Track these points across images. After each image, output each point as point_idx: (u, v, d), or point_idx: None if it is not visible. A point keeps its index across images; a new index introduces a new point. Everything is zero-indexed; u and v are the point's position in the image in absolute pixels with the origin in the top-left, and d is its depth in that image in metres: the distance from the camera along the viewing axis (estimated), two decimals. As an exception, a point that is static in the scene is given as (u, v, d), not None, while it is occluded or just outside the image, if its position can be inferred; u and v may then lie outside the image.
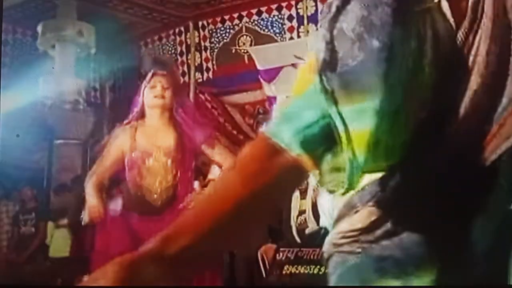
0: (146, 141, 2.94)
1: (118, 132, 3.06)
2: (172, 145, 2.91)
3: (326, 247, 1.00)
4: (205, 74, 7.60)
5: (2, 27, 4.40)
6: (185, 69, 7.78)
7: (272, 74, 6.78)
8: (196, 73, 7.60)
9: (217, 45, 7.52)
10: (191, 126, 2.97)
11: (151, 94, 2.98)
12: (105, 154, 3.03)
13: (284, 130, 0.86)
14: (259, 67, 6.86)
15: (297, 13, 6.95)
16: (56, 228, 6.35)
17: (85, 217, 2.97)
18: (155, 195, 2.88)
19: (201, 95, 7.55)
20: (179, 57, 7.86)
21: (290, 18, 6.99)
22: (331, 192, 0.87)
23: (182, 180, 2.90)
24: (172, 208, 2.86)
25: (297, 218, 5.93)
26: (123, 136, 3.01)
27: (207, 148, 2.95)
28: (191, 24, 7.66)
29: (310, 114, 0.88)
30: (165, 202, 2.88)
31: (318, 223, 5.88)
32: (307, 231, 5.82)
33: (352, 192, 0.89)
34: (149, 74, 3.12)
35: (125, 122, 3.08)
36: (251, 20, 7.25)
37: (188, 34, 7.73)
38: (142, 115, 3.03)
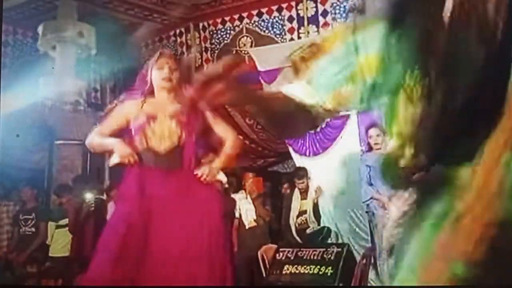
0: (152, 107, 2.99)
1: (126, 103, 3.09)
2: (177, 109, 2.96)
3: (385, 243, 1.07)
4: (205, 75, 7.60)
5: (2, 28, 4.41)
6: (186, 70, 7.80)
7: (273, 75, 6.79)
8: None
9: (217, 46, 7.53)
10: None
11: (159, 76, 3.01)
12: (109, 118, 3.08)
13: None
14: (259, 68, 6.87)
15: (298, 14, 6.95)
16: (56, 228, 6.36)
17: (114, 159, 2.97)
18: (161, 156, 2.91)
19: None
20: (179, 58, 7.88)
21: (291, 19, 7.00)
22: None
23: (187, 142, 2.93)
24: (178, 169, 2.89)
25: (297, 218, 5.94)
26: (131, 106, 3.05)
27: (210, 116, 3.00)
28: (191, 25, 7.67)
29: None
30: (171, 162, 2.90)
31: (319, 224, 5.89)
32: (308, 230, 5.83)
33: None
34: (156, 54, 3.13)
35: (134, 97, 3.10)
36: (252, 21, 7.26)
37: (189, 35, 7.74)
38: (151, 92, 3.07)
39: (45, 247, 6.37)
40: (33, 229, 6.41)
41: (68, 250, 6.17)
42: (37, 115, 7.31)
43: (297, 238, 5.85)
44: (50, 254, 6.29)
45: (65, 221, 6.28)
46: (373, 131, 5.21)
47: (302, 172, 6.07)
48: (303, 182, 5.95)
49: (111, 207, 6.22)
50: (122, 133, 3.09)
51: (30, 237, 6.38)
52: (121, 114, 3.08)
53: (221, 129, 3.04)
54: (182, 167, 2.91)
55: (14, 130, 6.24)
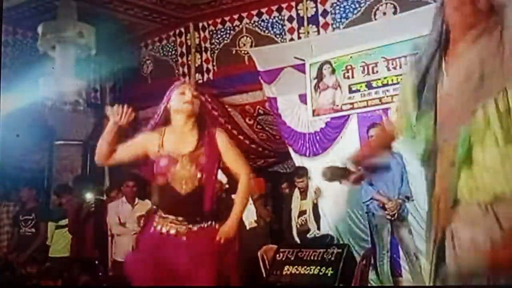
0: (172, 146, 3.03)
1: (146, 134, 3.13)
2: (196, 150, 3.02)
3: None
4: (205, 75, 7.61)
5: (2, 28, 4.40)
6: (185, 70, 7.79)
7: (272, 75, 6.79)
8: (197, 74, 7.61)
9: (217, 46, 7.53)
10: (211, 134, 3.07)
11: (181, 100, 3.05)
12: (127, 146, 3.10)
13: None
14: (259, 68, 6.87)
15: (297, 14, 6.95)
16: (56, 229, 6.36)
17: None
18: (181, 197, 2.97)
19: (201, 96, 7.54)
20: (179, 58, 7.87)
21: (290, 19, 7.00)
22: None
23: (207, 183, 2.99)
24: (198, 209, 2.95)
25: (297, 218, 5.93)
26: (150, 137, 3.09)
27: (225, 149, 3.07)
28: (191, 25, 7.67)
29: None
30: (191, 203, 2.96)
31: (318, 225, 5.88)
32: (309, 235, 5.82)
33: None
34: (179, 82, 3.28)
35: (149, 127, 3.15)
36: (252, 21, 7.26)
37: (189, 35, 7.74)
38: (167, 120, 3.11)
39: (45, 247, 6.37)
40: (33, 230, 6.40)
41: (68, 250, 6.18)
42: (37, 115, 7.32)
43: (297, 238, 5.85)
44: (50, 255, 6.29)
45: (65, 221, 6.28)
46: (374, 131, 5.22)
47: (302, 171, 6.06)
48: (302, 181, 5.93)
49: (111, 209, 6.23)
50: (139, 161, 3.15)
51: (30, 238, 6.38)
52: (139, 143, 3.11)
53: (235, 166, 3.08)
54: (203, 210, 2.96)
55: (14, 130, 6.24)
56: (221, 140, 3.05)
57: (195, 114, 3.08)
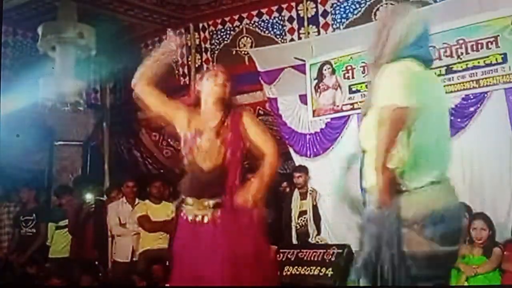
0: (199, 124, 3.04)
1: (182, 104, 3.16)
2: (221, 125, 3.01)
3: None
4: (206, 76, 7.60)
5: (2, 28, 4.40)
6: (186, 70, 7.79)
7: (273, 75, 6.78)
8: (197, 75, 7.59)
9: (217, 46, 7.52)
10: (238, 112, 3.07)
11: (212, 83, 3.07)
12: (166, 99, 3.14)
13: None
14: (259, 68, 6.86)
15: (298, 15, 6.95)
16: (56, 229, 6.35)
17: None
18: (205, 173, 2.95)
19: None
20: (179, 58, 7.86)
21: (291, 19, 7.00)
22: None
23: (231, 161, 2.97)
24: (221, 186, 2.93)
25: (297, 218, 5.92)
26: (180, 112, 3.10)
27: (251, 125, 3.05)
28: (191, 26, 7.66)
29: None
30: (215, 182, 2.94)
31: (319, 226, 5.86)
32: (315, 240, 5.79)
33: None
34: (212, 67, 3.31)
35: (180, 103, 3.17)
36: (252, 22, 7.26)
37: (189, 35, 7.73)
38: (197, 102, 3.12)
39: (45, 248, 6.36)
40: (34, 230, 6.40)
41: (68, 251, 6.17)
42: (37, 115, 7.32)
43: (297, 239, 5.83)
44: (50, 255, 6.29)
45: (65, 222, 6.28)
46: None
47: (300, 167, 6.05)
48: (300, 176, 5.91)
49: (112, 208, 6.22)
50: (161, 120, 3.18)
51: (30, 238, 6.38)
52: (172, 108, 3.13)
53: (261, 143, 3.02)
54: (224, 190, 2.93)
55: (14, 131, 6.24)
56: (248, 118, 3.03)
57: (226, 96, 3.07)
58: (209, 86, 3.08)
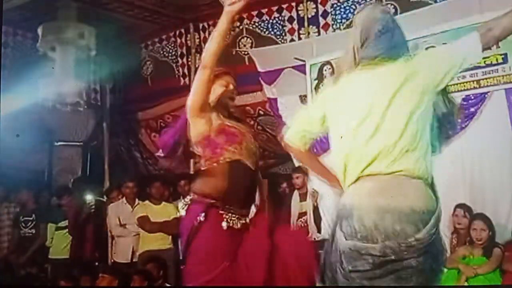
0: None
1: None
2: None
3: None
4: (206, 76, 7.59)
5: (2, 29, 4.39)
6: (186, 71, 7.78)
7: (273, 76, 6.77)
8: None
9: (217, 47, 7.50)
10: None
11: (221, 90, 3.05)
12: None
13: None
14: (259, 69, 6.85)
15: (298, 15, 6.94)
16: (56, 230, 6.35)
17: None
18: (249, 170, 2.91)
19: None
20: (179, 59, 7.86)
21: (291, 20, 6.99)
22: None
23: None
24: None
25: (297, 220, 5.91)
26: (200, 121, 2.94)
27: None
28: (191, 26, 7.66)
29: None
30: (253, 183, 2.95)
31: (319, 227, 5.85)
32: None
33: None
34: (219, 70, 3.18)
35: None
36: (252, 22, 7.25)
37: (189, 36, 7.73)
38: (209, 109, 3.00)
39: (45, 248, 6.36)
40: (33, 231, 6.41)
41: (68, 251, 6.17)
42: (37, 116, 7.31)
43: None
44: (50, 256, 6.28)
45: (65, 222, 6.28)
46: None
47: (299, 169, 6.05)
48: (298, 177, 5.90)
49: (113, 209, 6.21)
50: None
51: (30, 239, 6.38)
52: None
53: None
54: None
55: (14, 131, 6.23)
56: None
57: (234, 107, 3.07)
58: (218, 93, 3.08)
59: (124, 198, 6.11)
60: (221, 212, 2.81)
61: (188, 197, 2.94)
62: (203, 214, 2.80)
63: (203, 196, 2.86)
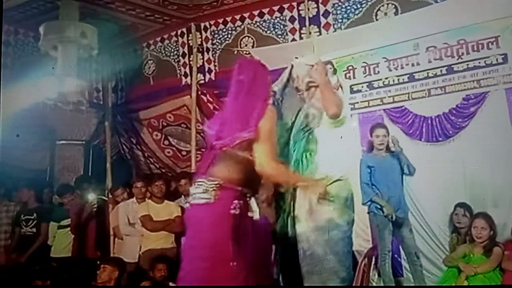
0: None
1: None
2: None
3: None
4: (207, 76, 7.62)
5: (3, 28, 4.42)
6: (187, 70, 7.80)
7: (274, 75, 6.78)
8: (198, 75, 7.61)
9: (219, 46, 7.53)
10: None
11: None
12: None
13: None
14: (260, 68, 6.86)
15: (299, 15, 6.95)
16: (58, 229, 6.36)
17: None
18: None
19: (203, 96, 7.56)
20: (181, 58, 7.88)
21: (292, 19, 7.01)
22: None
23: None
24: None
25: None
26: None
27: None
28: (193, 26, 7.67)
29: None
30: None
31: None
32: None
33: None
34: None
35: None
36: (253, 22, 7.26)
37: (190, 35, 7.74)
38: None
39: (46, 247, 6.37)
40: (34, 230, 6.42)
41: (70, 250, 6.18)
42: (39, 115, 7.33)
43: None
44: (52, 255, 6.29)
45: (67, 221, 6.28)
46: (380, 131, 5.24)
47: None
48: None
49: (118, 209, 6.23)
50: None
51: (31, 238, 6.39)
52: None
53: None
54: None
55: (16, 130, 6.25)
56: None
57: None
58: None
59: (134, 198, 6.14)
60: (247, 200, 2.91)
61: (210, 182, 2.89)
62: (241, 202, 2.85)
63: (230, 182, 2.88)
